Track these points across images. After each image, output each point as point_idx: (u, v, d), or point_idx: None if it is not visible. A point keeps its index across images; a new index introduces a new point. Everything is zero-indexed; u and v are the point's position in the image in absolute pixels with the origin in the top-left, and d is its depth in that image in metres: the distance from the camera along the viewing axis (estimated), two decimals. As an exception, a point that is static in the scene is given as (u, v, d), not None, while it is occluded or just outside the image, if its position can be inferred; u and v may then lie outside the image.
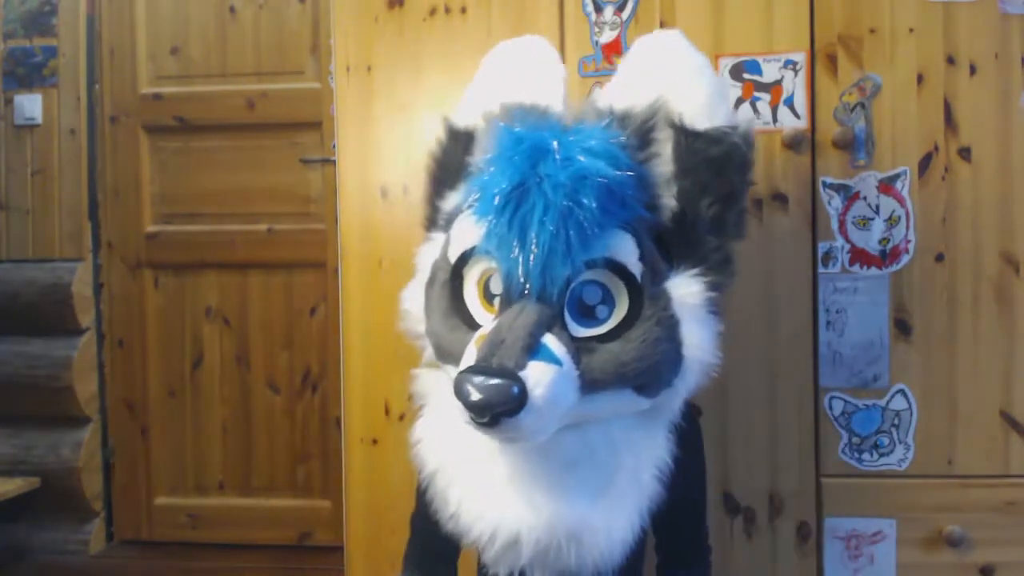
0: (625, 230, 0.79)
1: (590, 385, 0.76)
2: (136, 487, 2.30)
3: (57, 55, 2.23)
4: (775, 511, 1.24)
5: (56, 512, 2.21)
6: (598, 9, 1.27)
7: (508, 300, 0.79)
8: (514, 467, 0.80)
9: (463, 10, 1.30)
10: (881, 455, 1.23)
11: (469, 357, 0.75)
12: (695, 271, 0.83)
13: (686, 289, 0.82)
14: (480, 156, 0.90)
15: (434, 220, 0.97)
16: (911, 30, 1.22)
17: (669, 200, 0.85)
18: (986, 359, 1.22)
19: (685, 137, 0.85)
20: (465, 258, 0.84)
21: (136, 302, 2.30)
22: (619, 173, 0.79)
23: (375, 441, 1.33)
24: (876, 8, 1.22)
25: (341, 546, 1.38)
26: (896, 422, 1.23)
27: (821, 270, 1.23)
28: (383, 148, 1.33)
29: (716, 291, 0.85)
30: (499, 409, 0.70)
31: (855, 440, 1.23)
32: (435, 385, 0.90)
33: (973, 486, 1.22)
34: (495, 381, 0.70)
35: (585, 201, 0.76)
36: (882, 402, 1.23)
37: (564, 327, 0.77)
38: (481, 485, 0.81)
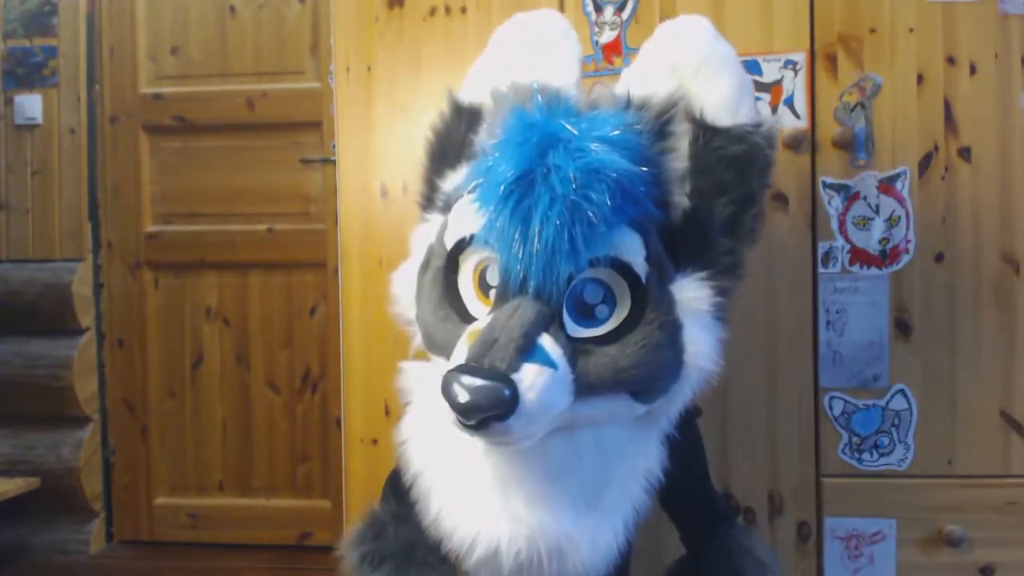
0: (633, 228, 0.75)
1: (585, 389, 0.73)
2: (136, 487, 2.30)
3: (57, 55, 2.23)
4: (775, 511, 1.24)
5: (56, 512, 2.21)
6: (598, 9, 1.27)
7: (504, 295, 0.74)
8: (498, 473, 0.76)
9: (463, 10, 1.30)
10: (881, 455, 1.23)
11: (459, 354, 0.71)
12: (703, 274, 0.79)
13: (692, 293, 0.78)
14: (485, 136, 0.84)
15: (431, 200, 0.91)
16: (911, 30, 1.21)
17: (681, 198, 0.80)
18: (986, 359, 1.22)
19: (704, 133, 0.80)
20: (462, 245, 0.79)
21: (136, 302, 2.30)
22: (633, 167, 0.74)
23: (375, 441, 1.33)
24: (876, 8, 1.22)
25: (341, 546, 1.38)
26: (896, 422, 1.23)
27: (821, 270, 1.23)
28: (383, 148, 1.33)
29: (723, 296, 0.81)
30: (488, 413, 0.66)
31: (855, 440, 1.23)
32: (423, 380, 0.86)
33: (973, 486, 1.22)
34: (485, 383, 0.66)
35: (594, 196, 0.71)
36: (882, 402, 1.23)
37: (561, 327, 0.73)
38: (462, 491, 0.78)
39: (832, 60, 1.23)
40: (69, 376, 2.18)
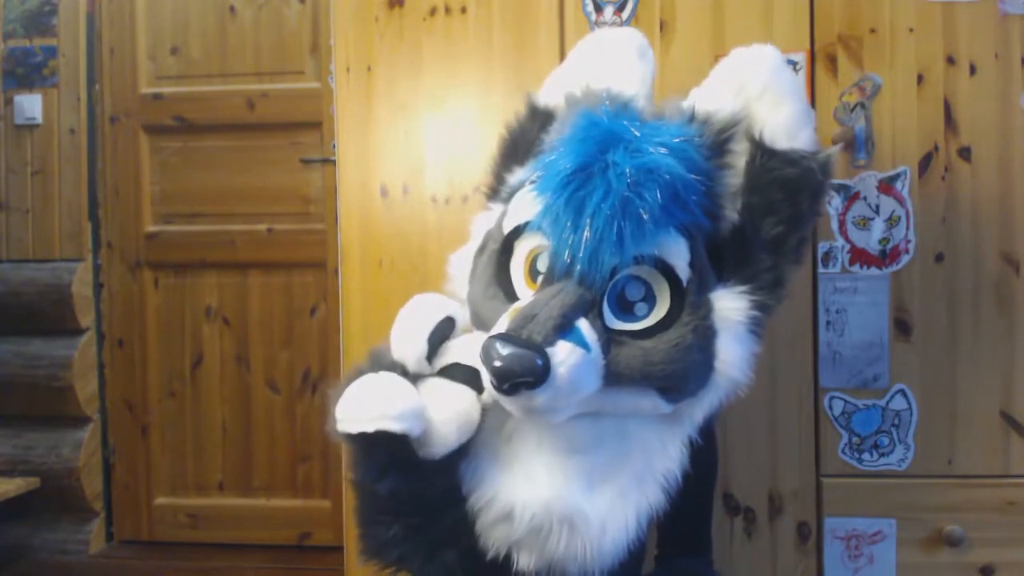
0: (681, 233, 0.79)
1: (614, 377, 0.77)
2: (136, 487, 2.30)
3: (57, 55, 2.23)
4: (775, 511, 1.24)
5: (56, 512, 2.21)
6: (598, 9, 1.27)
7: (551, 278, 0.79)
8: (522, 441, 0.80)
9: (463, 10, 1.30)
10: (881, 455, 1.23)
11: (500, 325, 0.76)
12: (743, 288, 0.83)
13: (730, 304, 0.82)
14: (554, 135, 0.90)
15: (497, 191, 0.97)
16: (911, 30, 1.22)
17: (732, 213, 0.84)
18: (986, 359, 1.22)
19: (762, 153, 0.84)
20: (518, 232, 0.84)
21: (136, 302, 2.30)
22: (687, 175, 0.78)
23: (375, 441, 1.33)
24: (876, 8, 1.22)
25: (341, 546, 1.38)
26: (896, 422, 1.23)
27: (821, 270, 1.23)
28: (383, 148, 1.33)
29: (762, 312, 0.84)
30: (519, 378, 0.70)
31: (855, 440, 1.23)
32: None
33: (973, 486, 1.22)
34: (519, 351, 0.71)
35: (647, 194, 0.76)
36: (882, 402, 1.23)
37: (600, 316, 0.78)
38: (488, 454, 0.81)
39: (832, 60, 1.23)
40: (69, 376, 2.17)
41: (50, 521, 2.21)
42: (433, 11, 1.31)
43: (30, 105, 2.23)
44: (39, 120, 2.23)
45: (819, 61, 1.23)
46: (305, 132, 2.20)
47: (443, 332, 0.83)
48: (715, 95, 0.88)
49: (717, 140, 0.85)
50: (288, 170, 2.23)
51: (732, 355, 0.82)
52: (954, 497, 1.22)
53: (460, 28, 1.31)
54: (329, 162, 2.10)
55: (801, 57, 1.23)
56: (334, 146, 1.39)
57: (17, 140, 2.24)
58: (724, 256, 0.84)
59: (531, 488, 0.78)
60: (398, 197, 1.32)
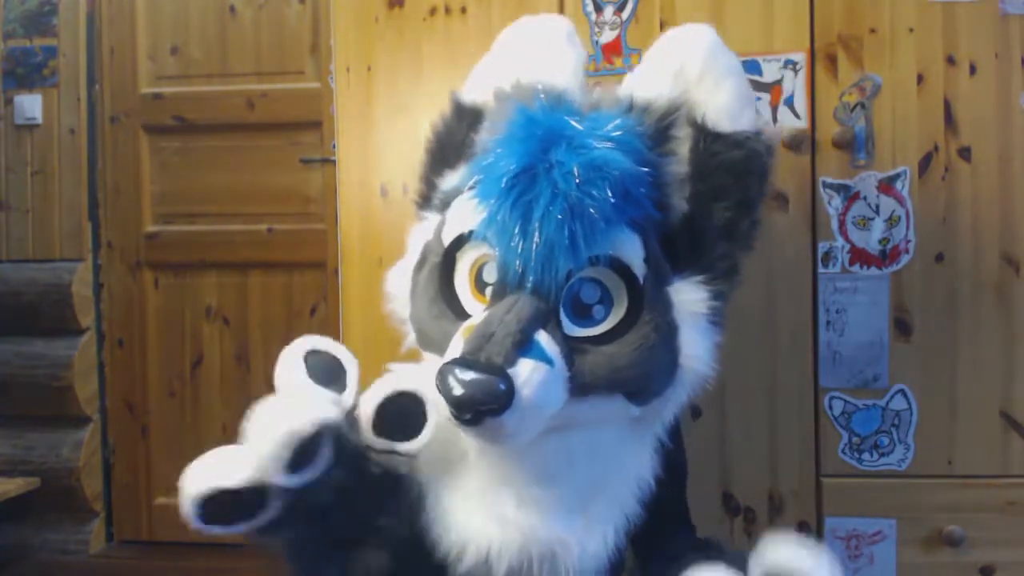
0: (633, 228, 0.75)
1: (580, 388, 0.72)
2: (136, 487, 2.30)
3: (57, 55, 2.23)
4: (775, 511, 1.24)
5: (56, 512, 2.21)
6: (598, 9, 1.27)
7: (502, 291, 0.74)
8: (490, 475, 0.76)
9: (463, 10, 1.30)
10: (881, 455, 1.23)
11: (455, 348, 0.70)
12: (700, 278, 0.79)
13: (689, 296, 0.78)
14: (487, 135, 0.85)
15: (429, 199, 0.91)
16: (911, 30, 1.21)
17: (680, 202, 0.81)
18: (986, 359, 1.21)
19: (705, 138, 0.81)
20: (460, 242, 0.79)
21: (136, 302, 2.30)
22: (635, 167, 0.74)
23: (375, 441, 1.33)
24: (876, 8, 1.22)
25: (341, 546, 1.38)
26: (896, 422, 1.23)
27: (821, 270, 1.23)
28: (383, 148, 1.33)
29: (719, 300, 0.81)
30: (483, 407, 0.65)
31: (855, 440, 1.23)
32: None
33: (973, 486, 1.22)
34: (481, 376, 0.65)
35: (596, 193, 0.71)
36: (882, 402, 1.23)
37: (558, 325, 0.73)
38: (452, 495, 0.77)
39: (832, 60, 1.23)
40: (69, 376, 2.18)
41: (50, 521, 2.21)
42: (433, 11, 1.31)
43: (30, 105, 2.23)
44: (39, 120, 2.23)
45: (819, 61, 1.23)
46: (305, 132, 2.20)
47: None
48: (652, 80, 0.83)
49: (659, 128, 0.80)
50: (288, 170, 2.22)
51: (696, 349, 0.78)
52: (954, 497, 1.21)
53: (460, 28, 1.31)
54: (329, 162, 2.10)
55: (801, 57, 1.23)
56: (334, 146, 1.39)
57: (17, 140, 2.24)
58: (677, 247, 0.80)
59: (505, 529, 0.73)
60: (398, 197, 1.32)
